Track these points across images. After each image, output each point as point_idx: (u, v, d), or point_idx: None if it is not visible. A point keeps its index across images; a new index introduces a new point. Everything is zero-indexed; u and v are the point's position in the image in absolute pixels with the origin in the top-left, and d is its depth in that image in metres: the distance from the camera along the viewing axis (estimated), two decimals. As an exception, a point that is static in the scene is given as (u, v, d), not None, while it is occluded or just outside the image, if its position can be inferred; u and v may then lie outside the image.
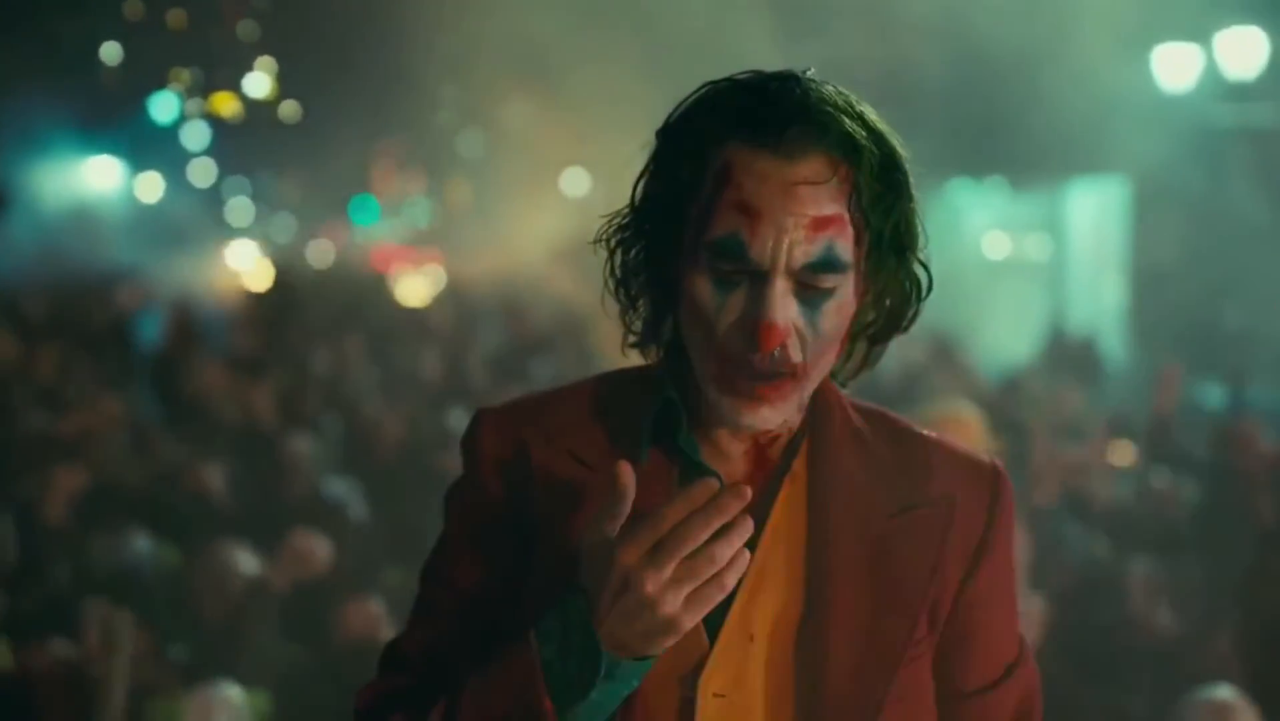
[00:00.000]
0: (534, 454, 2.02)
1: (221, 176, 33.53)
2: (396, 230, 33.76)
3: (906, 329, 2.03)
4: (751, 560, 1.91)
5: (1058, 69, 13.95)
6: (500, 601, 1.99)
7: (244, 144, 30.98)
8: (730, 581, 1.80)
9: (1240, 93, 16.81)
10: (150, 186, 30.16)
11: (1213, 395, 14.48)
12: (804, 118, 1.87)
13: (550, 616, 1.87)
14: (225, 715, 4.81)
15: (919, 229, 1.97)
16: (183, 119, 30.37)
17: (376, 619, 5.89)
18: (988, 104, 15.76)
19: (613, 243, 2.02)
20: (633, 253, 2.00)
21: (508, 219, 23.91)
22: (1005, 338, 15.85)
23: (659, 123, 1.99)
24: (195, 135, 31.42)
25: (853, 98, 1.94)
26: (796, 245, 1.86)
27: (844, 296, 1.92)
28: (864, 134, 1.89)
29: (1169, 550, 7.22)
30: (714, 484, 1.83)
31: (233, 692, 4.89)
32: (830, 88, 1.93)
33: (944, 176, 20.14)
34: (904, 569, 1.97)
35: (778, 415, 1.92)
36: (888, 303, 1.99)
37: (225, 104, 30.82)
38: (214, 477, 7.91)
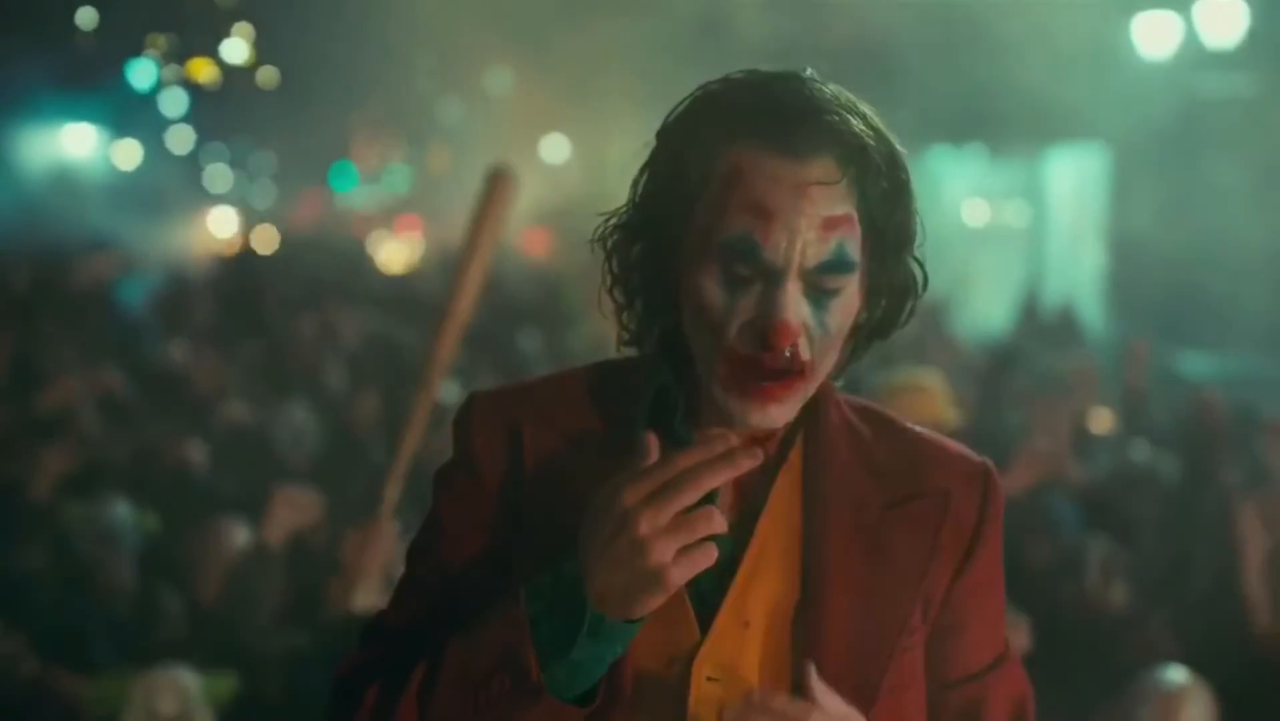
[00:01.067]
0: (527, 437, 2.03)
1: (200, 143, 33.39)
2: (376, 197, 33.71)
3: (904, 325, 2.05)
4: (748, 548, 1.95)
5: (1037, 36, 13.97)
6: (487, 583, 1.98)
7: (222, 110, 30.81)
8: (712, 555, 1.81)
9: (1220, 61, 16.83)
10: (128, 153, 30.04)
11: (1192, 364, 14.53)
12: (812, 118, 1.88)
13: (543, 573, 1.88)
14: (172, 698, 4.65)
15: (917, 227, 1.99)
16: (160, 85, 30.20)
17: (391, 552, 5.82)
18: (967, 71, 15.76)
19: (610, 242, 2.02)
20: (632, 252, 2.01)
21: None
22: (985, 304, 15.89)
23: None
24: (173, 102, 31.26)
25: (853, 97, 1.95)
26: (809, 246, 1.87)
27: (850, 295, 1.94)
28: (869, 134, 1.90)
29: (1137, 528, 7.23)
30: (730, 436, 1.86)
31: (184, 676, 4.75)
32: (832, 87, 1.94)
33: (923, 144, 20.17)
34: (898, 560, 1.98)
35: (786, 413, 1.94)
36: (884, 300, 2.00)
37: (203, 70, 30.64)
38: (195, 452, 7.85)
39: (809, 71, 1.97)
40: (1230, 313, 14.85)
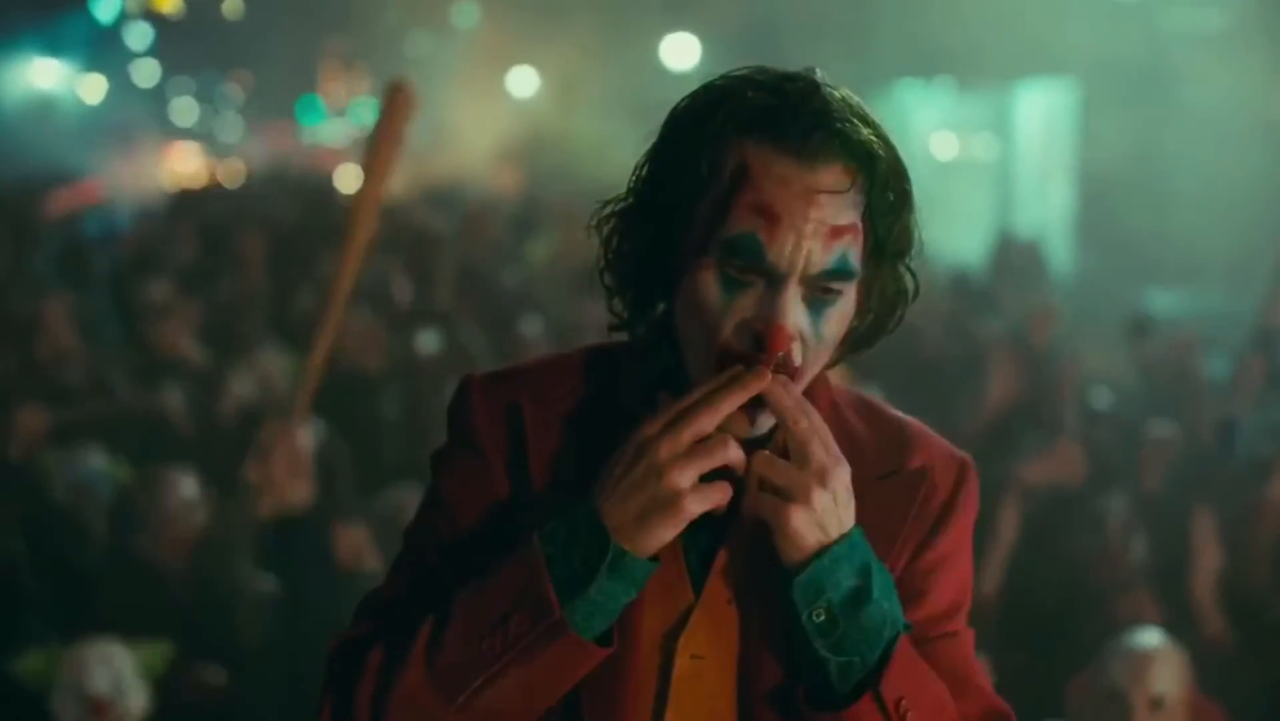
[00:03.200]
0: (526, 419, 2.04)
1: (165, 76, 33.16)
2: (344, 130, 33.53)
3: (892, 331, 2.06)
4: (732, 527, 1.97)
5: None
6: (492, 559, 1.98)
7: (187, 43, 30.58)
8: (727, 491, 1.86)
9: (1192, -4, 16.81)
10: (93, 88, 29.80)
11: (1160, 302, 14.55)
12: (825, 125, 1.88)
13: (555, 518, 1.91)
14: (103, 669, 4.55)
15: (916, 236, 1.99)
16: (124, 18, 29.93)
17: (362, 544, 5.73)
18: (936, 4, 15.72)
19: (606, 227, 2.02)
20: (628, 239, 2.01)
21: (455, 119, 23.77)
22: (953, 238, 15.89)
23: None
24: (137, 35, 31.00)
25: (864, 103, 1.96)
26: (814, 252, 1.88)
27: (848, 303, 1.95)
28: (877, 143, 1.91)
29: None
30: (739, 368, 1.89)
31: (115, 649, 4.65)
32: (843, 91, 1.94)
33: (892, 77, 20.12)
34: (873, 533, 1.98)
35: (770, 420, 1.94)
36: (874, 306, 2.02)
37: (166, 1, 30.35)
38: (172, 401, 7.76)
39: (820, 74, 1.97)
40: (1199, 250, 14.87)
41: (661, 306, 2.03)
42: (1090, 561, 6.05)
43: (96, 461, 6.49)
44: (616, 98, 21.56)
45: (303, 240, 13.18)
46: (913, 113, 20.93)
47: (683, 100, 1.99)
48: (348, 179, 24.53)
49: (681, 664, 1.98)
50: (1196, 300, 13.64)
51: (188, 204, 16.99)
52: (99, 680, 4.52)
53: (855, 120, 1.91)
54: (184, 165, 26.67)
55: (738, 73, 1.98)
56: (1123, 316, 10.82)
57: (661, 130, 2.00)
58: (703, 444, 1.87)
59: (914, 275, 2.03)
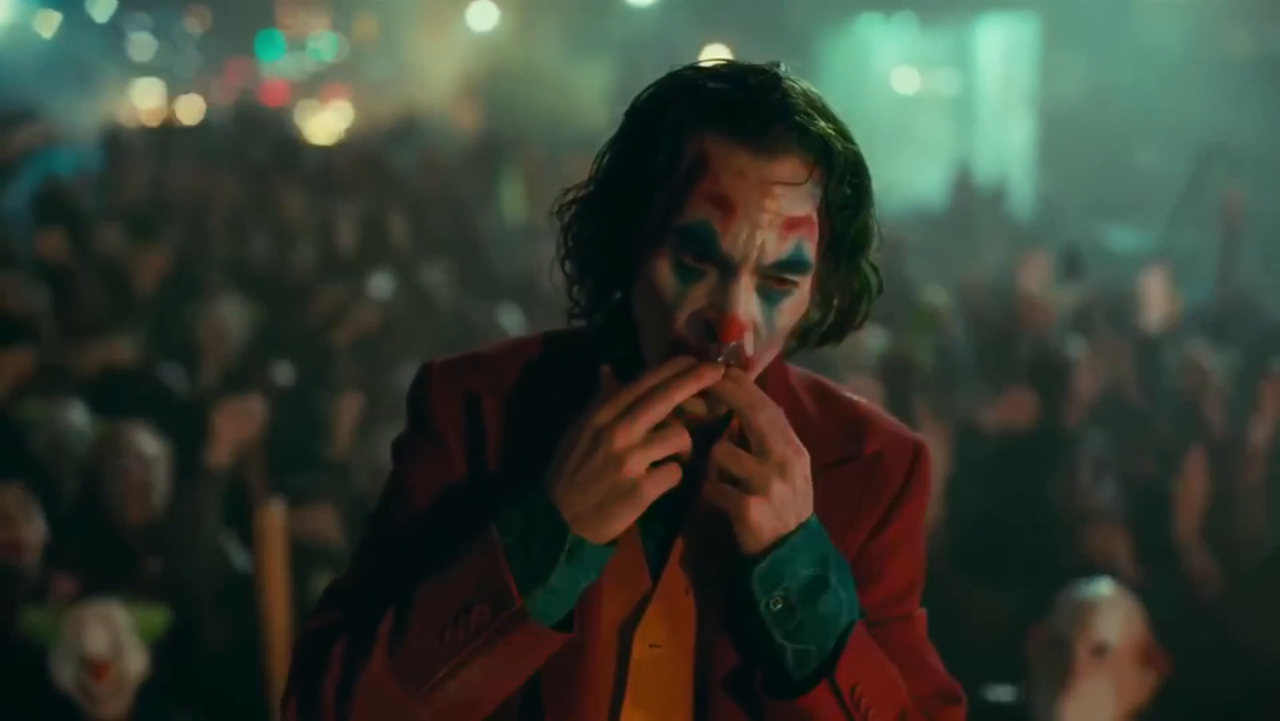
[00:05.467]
0: (486, 406, 2.06)
1: (121, 10, 32.80)
2: (303, 65, 33.27)
3: (859, 327, 2.09)
4: (689, 515, 2.01)
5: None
6: (453, 546, 2.01)
7: (144, -24, 30.26)
8: (677, 473, 1.90)
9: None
10: (48, 22, 29.47)
11: (1121, 239, 14.61)
12: (784, 118, 1.90)
13: (510, 506, 1.94)
14: (103, 631, 4.53)
15: (874, 232, 2.02)
16: (80, -49, 29.59)
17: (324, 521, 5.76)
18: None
19: (567, 215, 2.05)
20: (589, 227, 2.03)
21: (415, 54, 23.63)
22: (915, 172, 15.89)
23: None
24: (93, -33, 30.66)
25: (826, 99, 1.98)
26: (769, 243, 1.90)
27: (801, 296, 1.97)
28: (836, 137, 1.93)
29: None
30: (690, 357, 1.91)
31: (115, 610, 4.63)
32: (804, 84, 1.96)
33: (853, 11, 20.08)
34: (827, 518, 2.00)
35: (720, 406, 1.95)
36: (836, 303, 2.04)
37: (122, -67, 29.97)
38: (125, 350, 7.72)
39: (784, 67, 1.99)
40: (1158, 186, 14.92)
41: (619, 295, 2.05)
42: (1059, 499, 6.10)
43: (75, 418, 6.45)
44: (576, 31, 21.47)
45: (263, 181, 13.13)
46: (874, 48, 20.89)
47: (645, 90, 2.01)
48: (309, 115, 24.42)
49: (639, 652, 2.01)
50: (1156, 237, 13.67)
51: (145, 141, 16.83)
52: (99, 641, 4.52)
53: (815, 114, 1.92)
54: (143, 101, 26.43)
55: (702, 64, 2.00)
56: (1086, 250, 10.86)
57: (623, 120, 2.02)
58: (658, 431, 1.89)
59: (876, 271, 2.07)
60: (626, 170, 1.98)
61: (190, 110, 25.68)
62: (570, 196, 2.05)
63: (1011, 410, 7.12)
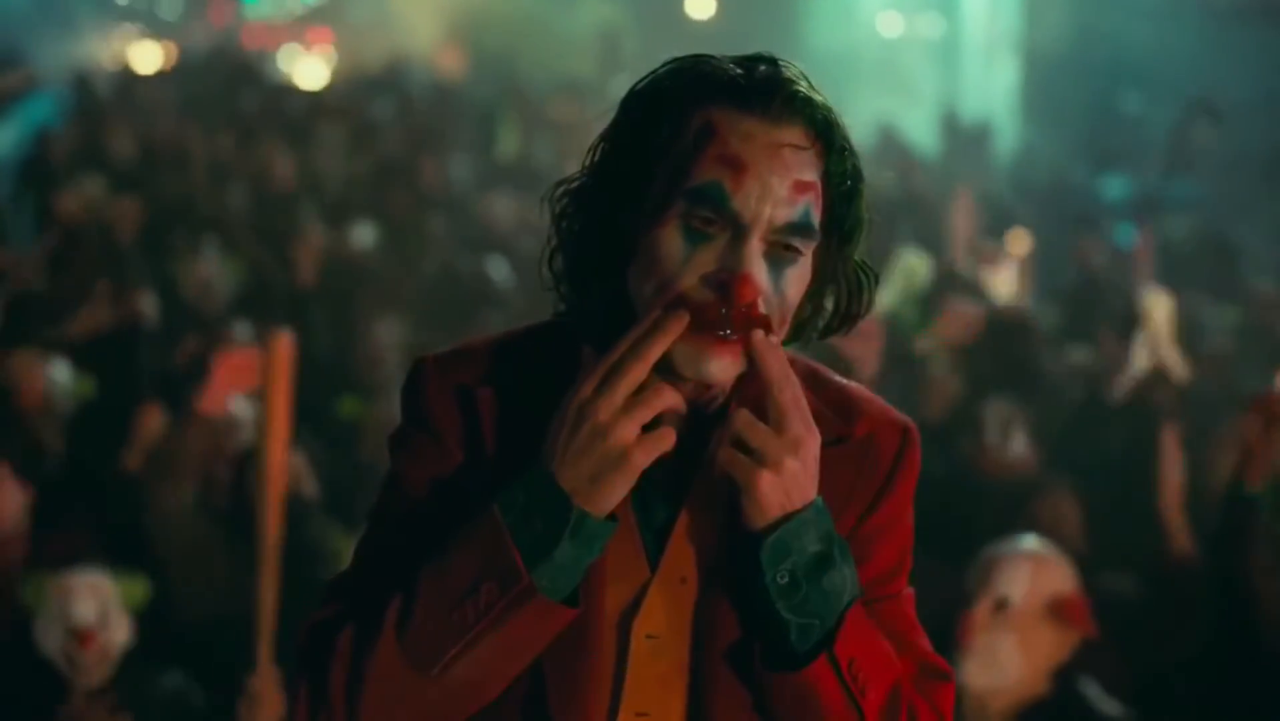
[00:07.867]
0: (479, 397, 2.08)
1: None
2: (286, 7, 33.07)
3: (864, 315, 2.12)
4: (684, 504, 2.04)
5: None
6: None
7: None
8: (670, 437, 1.92)
9: None
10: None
11: (1111, 187, 14.59)
12: (787, 89, 1.95)
13: (511, 487, 1.97)
14: (89, 599, 4.54)
15: (866, 224, 2.04)
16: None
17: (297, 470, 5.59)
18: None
19: (559, 206, 2.06)
20: (582, 215, 2.03)
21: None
22: (900, 114, 15.86)
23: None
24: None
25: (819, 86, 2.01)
26: (780, 204, 1.92)
27: (805, 266, 1.99)
28: (835, 114, 1.98)
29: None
30: (657, 313, 1.93)
31: (101, 579, 4.64)
32: (802, 69, 2.01)
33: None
34: (824, 499, 2.02)
35: (735, 368, 1.97)
36: (836, 290, 2.07)
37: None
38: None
39: (782, 61, 2.02)
40: (1143, 131, 14.91)
41: (612, 282, 2.05)
42: (972, 459, 6.15)
43: (60, 375, 6.47)
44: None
45: (247, 129, 13.07)
46: (858, -9, 20.83)
47: (640, 80, 2.04)
48: (293, 59, 24.27)
49: (637, 644, 2.03)
50: (1145, 184, 13.66)
51: (127, 90, 16.72)
52: (84, 609, 4.53)
53: (814, 93, 1.98)
54: (125, 46, 26.25)
55: (698, 55, 2.03)
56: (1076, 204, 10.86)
57: (619, 108, 2.04)
58: (638, 395, 1.91)
59: (870, 268, 2.10)
60: (626, 151, 2.00)
61: (171, 56, 25.47)
62: (562, 189, 2.06)
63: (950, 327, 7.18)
